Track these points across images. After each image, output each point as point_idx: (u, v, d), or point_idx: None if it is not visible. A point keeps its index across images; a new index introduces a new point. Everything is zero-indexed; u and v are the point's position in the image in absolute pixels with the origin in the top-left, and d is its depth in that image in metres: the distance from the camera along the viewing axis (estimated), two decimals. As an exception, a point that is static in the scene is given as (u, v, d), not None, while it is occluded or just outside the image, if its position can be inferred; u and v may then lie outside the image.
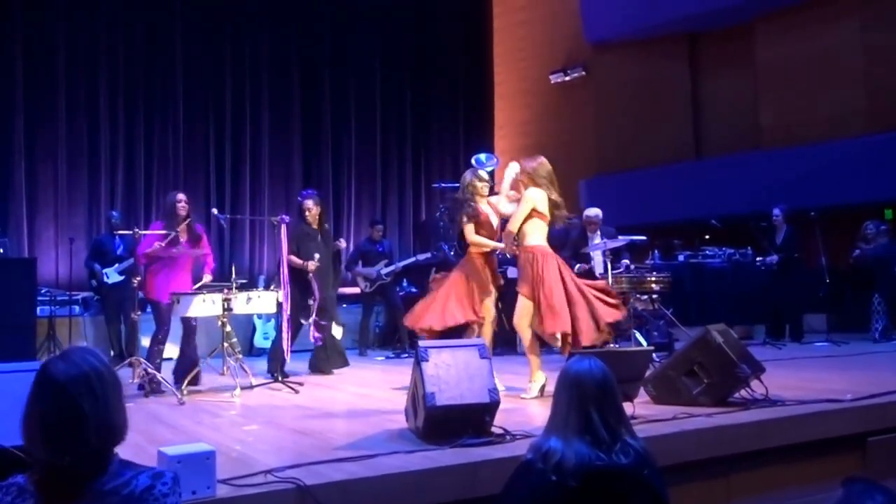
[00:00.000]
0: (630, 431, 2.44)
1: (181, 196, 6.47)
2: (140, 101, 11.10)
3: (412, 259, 9.42)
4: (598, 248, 7.73)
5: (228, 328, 6.03)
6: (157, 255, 6.19)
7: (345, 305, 11.18)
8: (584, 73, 13.57)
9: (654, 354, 5.39)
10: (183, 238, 6.31)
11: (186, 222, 6.35)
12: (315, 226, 7.18)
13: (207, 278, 6.43)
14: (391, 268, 9.31)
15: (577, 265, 7.82)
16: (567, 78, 13.74)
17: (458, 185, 10.12)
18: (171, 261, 6.26)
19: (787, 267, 9.23)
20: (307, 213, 7.15)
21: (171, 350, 8.82)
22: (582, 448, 2.31)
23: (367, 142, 12.88)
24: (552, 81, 13.93)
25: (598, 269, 7.85)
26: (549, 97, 14.06)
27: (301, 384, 6.09)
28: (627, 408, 4.21)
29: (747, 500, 4.02)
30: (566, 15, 13.61)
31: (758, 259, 9.54)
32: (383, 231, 10.05)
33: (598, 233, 8.05)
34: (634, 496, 2.34)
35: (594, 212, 8.18)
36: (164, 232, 6.23)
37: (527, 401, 5.15)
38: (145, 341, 6.69)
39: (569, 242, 8.10)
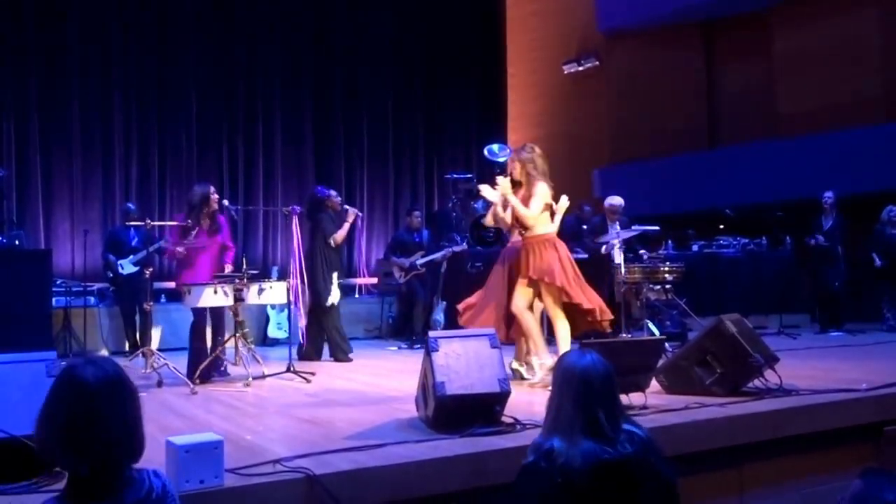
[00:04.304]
0: (628, 419, 2.42)
1: (213, 188, 6.52)
2: (153, 95, 11.15)
3: (448, 250, 9.15)
4: (610, 238, 7.68)
5: (241, 318, 6.04)
6: (182, 249, 6.31)
7: (357, 296, 11.25)
8: (597, 62, 13.46)
9: (666, 344, 5.36)
10: (204, 226, 6.36)
11: (209, 213, 6.40)
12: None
13: (227, 268, 6.46)
14: (427, 258, 9.06)
15: (605, 247, 7.77)
16: (580, 68, 13.65)
17: (470, 176, 10.07)
18: (196, 252, 6.35)
19: (831, 254, 9.03)
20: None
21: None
22: (587, 444, 2.28)
23: (379, 133, 12.86)
24: (565, 71, 13.84)
25: (618, 259, 7.77)
26: (562, 87, 13.98)
27: (313, 373, 6.10)
28: (640, 398, 4.22)
29: (760, 489, 3.98)
30: (579, 4, 13.52)
31: (810, 239, 9.17)
32: (422, 219, 9.61)
33: (618, 223, 8.01)
34: (643, 483, 2.32)
35: (617, 201, 8.13)
36: (176, 223, 6.26)
37: (537, 390, 5.12)
38: (156, 332, 6.71)
39: (586, 231, 8.07)
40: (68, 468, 1.84)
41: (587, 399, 2.33)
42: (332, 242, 7.34)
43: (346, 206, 7.70)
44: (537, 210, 5.32)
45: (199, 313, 6.23)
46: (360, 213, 7.70)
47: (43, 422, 1.82)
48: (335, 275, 7.34)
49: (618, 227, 7.86)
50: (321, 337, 7.43)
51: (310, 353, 7.35)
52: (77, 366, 1.87)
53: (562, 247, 5.41)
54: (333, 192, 7.77)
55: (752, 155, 11.46)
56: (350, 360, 7.29)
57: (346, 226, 7.40)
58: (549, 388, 2.53)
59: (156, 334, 8.36)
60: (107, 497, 1.81)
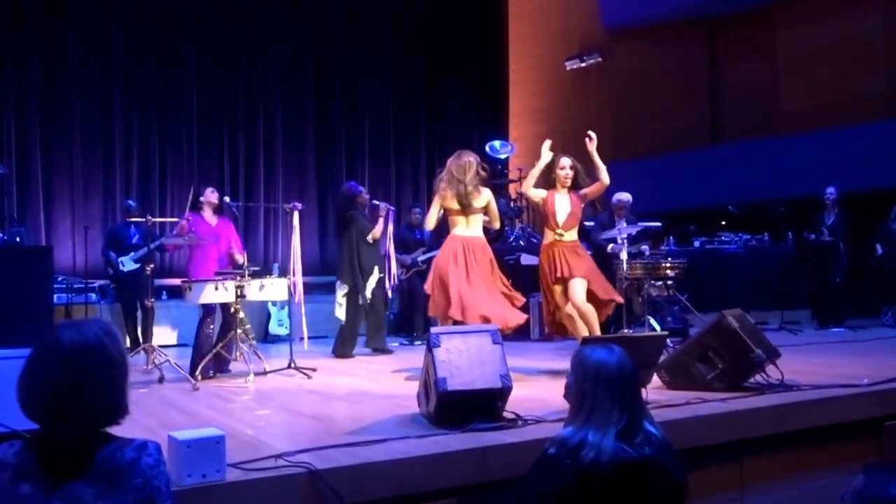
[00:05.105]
0: (649, 417, 2.42)
1: (212, 188, 6.77)
2: (153, 92, 11.15)
3: None
4: (611, 235, 7.66)
5: (242, 314, 6.05)
6: (178, 244, 6.39)
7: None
8: (599, 59, 13.45)
9: (668, 340, 5.35)
10: (213, 223, 6.54)
11: (211, 210, 6.57)
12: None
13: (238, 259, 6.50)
14: (428, 255, 8.89)
15: (611, 247, 7.74)
16: (583, 64, 13.64)
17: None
18: (199, 248, 6.44)
19: (833, 250, 9.00)
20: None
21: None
22: (614, 442, 2.27)
23: (380, 129, 12.86)
24: (568, 68, 13.82)
25: (623, 255, 7.73)
26: (564, 84, 13.96)
27: (314, 370, 6.11)
28: (641, 393, 4.21)
29: (761, 484, 3.98)
30: (581, 1, 13.50)
31: (811, 236, 9.14)
32: (422, 216, 9.28)
33: (624, 219, 7.98)
34: (656, 484, 2.32)
35: (625, 196, 8.08)
36: (174, 219, 6.31)
37: (540, 386, 5.12)
38: (158, 329, 6.70)
39: (593, 227, 8.05)
40: (43, 426, 1.83)
41: (625, 393, 2.33)
42: (370, 239, 7.43)
43: (376, 202, 7.77)
44: (430, 225, 5.82)
45: (208, 309, 6.25)
46: (391, 208, 7.70)
47: (21, 380, 1.83)
48: (376, 269, 7.48)
49: (624, 223, 7.84)
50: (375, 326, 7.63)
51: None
52: (60, 328, 1.87)
53: (447, 249, 5.61)
54: (363, 189, 7.86)
55: (754, 152, 11.45)
56: (351, 356, 7.37)
57: (381, 221, 7.49)
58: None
59: (157, 331, 8.36)
60: (77, 457, 1.80)
